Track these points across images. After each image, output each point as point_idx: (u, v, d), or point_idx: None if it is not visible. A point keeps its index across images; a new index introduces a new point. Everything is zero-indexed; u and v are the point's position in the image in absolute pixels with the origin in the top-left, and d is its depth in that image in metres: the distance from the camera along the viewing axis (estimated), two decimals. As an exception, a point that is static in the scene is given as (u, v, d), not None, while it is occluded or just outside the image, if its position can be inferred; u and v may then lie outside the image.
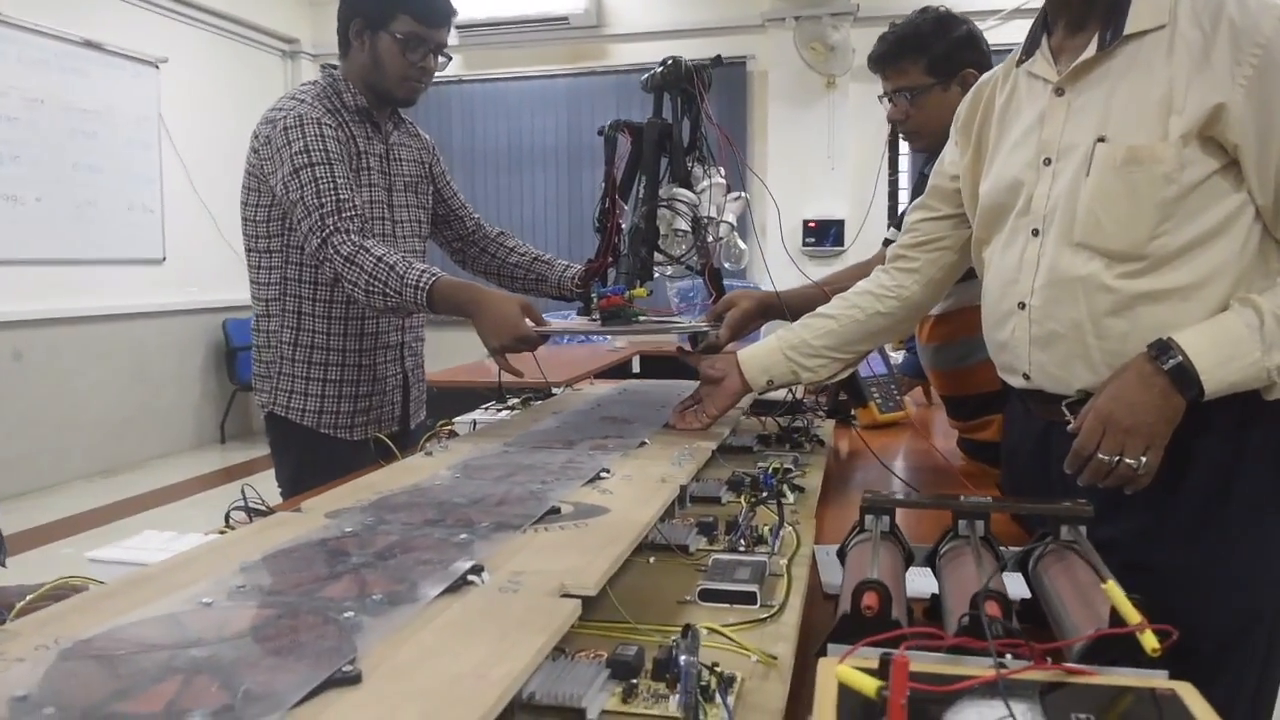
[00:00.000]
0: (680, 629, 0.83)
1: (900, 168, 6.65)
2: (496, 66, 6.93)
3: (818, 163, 6.31)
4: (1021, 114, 1.31)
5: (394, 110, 1.94)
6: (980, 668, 0.65)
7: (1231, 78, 1.11)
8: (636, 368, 4.35)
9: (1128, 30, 1.17)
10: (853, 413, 2.19)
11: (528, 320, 1.55)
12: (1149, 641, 0.66)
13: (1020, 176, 1.28)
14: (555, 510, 1.00)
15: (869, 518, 1.00)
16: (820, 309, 1.54)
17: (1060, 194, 1.23)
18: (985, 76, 1.40)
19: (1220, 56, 1.12)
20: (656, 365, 4.25)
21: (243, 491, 1.14)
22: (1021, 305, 1.29)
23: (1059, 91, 1.25)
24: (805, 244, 6.23)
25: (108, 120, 5.68)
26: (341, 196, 1.68)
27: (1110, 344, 1.21)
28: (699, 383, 1.61)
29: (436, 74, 1.88)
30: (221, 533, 1.04)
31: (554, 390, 2.14)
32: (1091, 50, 1.20)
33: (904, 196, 6.63)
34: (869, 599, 0.74)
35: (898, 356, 2.56)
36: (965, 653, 0.67)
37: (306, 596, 0.73)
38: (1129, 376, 1.17)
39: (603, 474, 1.18)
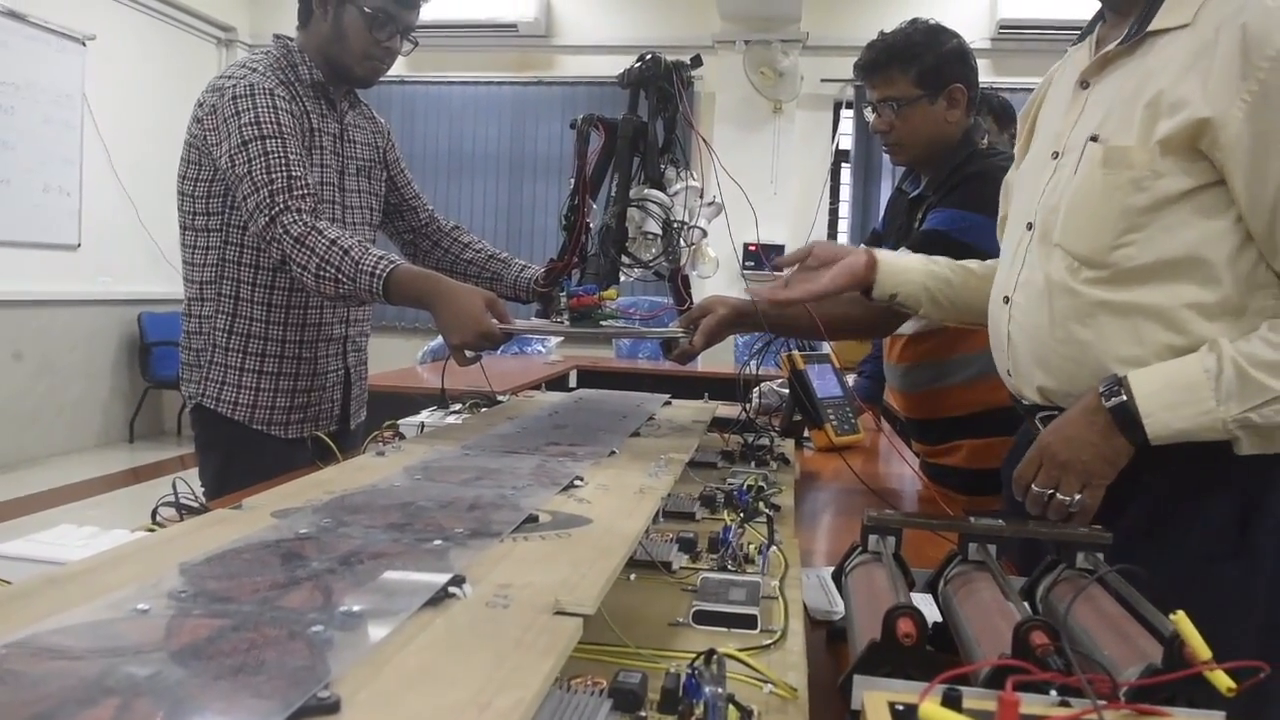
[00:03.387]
0: (683, 654, 0.75)
1: (841, 196, 6.71)
2: (441, 69, 6.79)
3: (760, 187, 6.30)
4: (1053, 103, 1.28)
5: (350, 89, 1.83)
6: (1044, 705, 0.58)
7: (1235, 91, 1.02)
8: (574, 382, 4.25)
9: (1151, 26, 1.11)
10: (806, 434, 2.14)
11: (492, 317, 1.45)
12: (1222, 682, 0.60)
13: (1035, 168, 1.25)
14: (533, 518, 0.91)
15: (873, 538, 0.92)
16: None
17: (1054, 190, 1.19)
18: (1059, 63, 1.34)
19: (1224, 64, 1.03)
20: (594, 379, 4.15)
21: (174, 485, 1.03)
22: (1006, 299, 1.26)
23: (1084, 84, 1.20)
24: (745, 267, 6.21)
25: (26, 95, 5.38)
26: (293, 173, 1.56)
27: (1070, 350, 1.16)
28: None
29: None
30: (150, 530, 0.92)
31: (500, 398, 2.03)
32: (1114, 44, 1.16)
33: (843, 225, 6.69)
34: (906, 626, 0.66)
35: (851, 379, 2.52)
36: (1029, 689, 0.59)
37: (263, 605, 0.62)
38: (1075, 411, 1.13)
39: (577, 482, 1.09)
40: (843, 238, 6.69)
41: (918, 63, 1.67)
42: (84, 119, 5.78)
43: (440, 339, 1.51)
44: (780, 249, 6.37)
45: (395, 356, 4.86)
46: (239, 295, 1.72)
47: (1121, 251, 1.10)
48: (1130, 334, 1.11)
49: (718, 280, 2.05)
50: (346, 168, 1.81)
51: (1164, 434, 1.07)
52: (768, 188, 6.31)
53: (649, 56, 1.66)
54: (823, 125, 6.56)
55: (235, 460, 1.73)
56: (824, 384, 2.07)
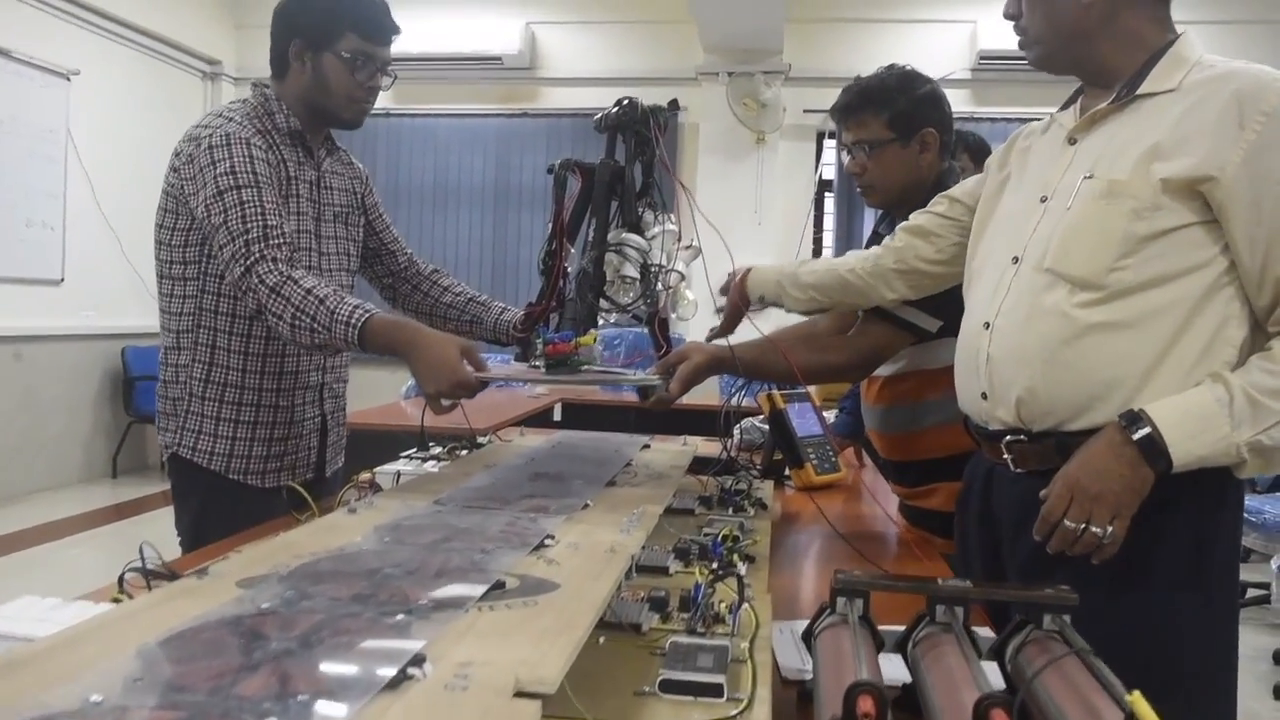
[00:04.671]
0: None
1: (825, 226, 6.74)
2: (427, 102, 6.82)
3: (744, 217, 6.33)
4: (1039, 157, 1.37)
5: (328, 135, 1.83)
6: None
7: (1233, 141, 1.13)
8: (558, 415, 4.24)
9: (1141, 90, 1.22)
10: (787, 473, 2.13)
11: (467, 365, 1.45)
12: (1180, 764, 0.60)
13: (1020, 211, 1.33)
14: (500, 584, 0.90)
15: (841, 600, 0.92)
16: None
17: (1044, 226, 1.28)
18: (1032, 125, 1.44)
19: (1221, 120, 1.15)
20: (579, 413, 4.15)
21: (140, 552, 1.01)
22: (986, 325, 1.32)
23: (1071, 140, 1.30)
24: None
25: (10, 130, 5.38)
26: (269, 222, 1.56)
27: (1056, 372, 1.23)
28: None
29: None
30: (115, 600, 0.91)
31: (480, 440, 2.03)
32: (1104, 103, 1.26)
33: (828, 254, 6.72)
34: (865, 705, 0.66)
35: (831, 417, 2.52)
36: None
37: (218, 695, 0.61)
38: (1099, 445, 1.18)
39: (547, 541, 1.08)
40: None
41: (890, 107, 1.69)
42: (68, 153, 5.78)
43: None
44: (765, 278, 6.40)
45: (379, 391, 4.84)
46: (215, 344, 1.71)
47: (1116, 275, 1.19)
48: (1113, 355, 1.19)
49: (699, 321, 2.05)
50: (323, 214, 1.81)
51: (1187, 461, 1.14)
52: (751, 218, 6.34)
53: (626, 100, 1.67)
54: (806, 155, 6.61)
55: (211, 509, 1.72)
56: (804, 423, 2.07)
